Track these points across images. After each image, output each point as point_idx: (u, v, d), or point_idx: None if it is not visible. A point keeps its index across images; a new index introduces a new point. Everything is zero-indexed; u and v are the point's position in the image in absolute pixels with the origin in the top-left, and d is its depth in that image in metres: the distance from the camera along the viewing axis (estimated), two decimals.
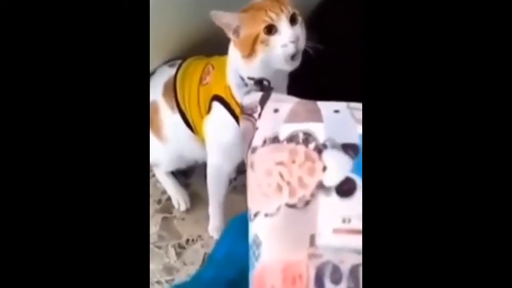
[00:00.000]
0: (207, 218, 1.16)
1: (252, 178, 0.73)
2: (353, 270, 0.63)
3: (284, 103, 0.77)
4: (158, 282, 1.13)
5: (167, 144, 1.09)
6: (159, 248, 1.16)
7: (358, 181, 0.67)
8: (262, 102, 0.78)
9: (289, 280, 0.65)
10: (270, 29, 0.85)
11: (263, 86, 0.87)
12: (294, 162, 0.70)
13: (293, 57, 0.87)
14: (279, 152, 0.71)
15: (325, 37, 0.87)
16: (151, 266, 1.13)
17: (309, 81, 0.96)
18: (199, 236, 1.17)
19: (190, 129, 1.04)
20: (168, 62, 1.10)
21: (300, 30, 0.87)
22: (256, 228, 0.70)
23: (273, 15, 0.85)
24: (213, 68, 0.99)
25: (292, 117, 0.74)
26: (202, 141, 1.03)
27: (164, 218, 1.20)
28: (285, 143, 0.72)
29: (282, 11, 0.85)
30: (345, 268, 0.63)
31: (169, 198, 1.21)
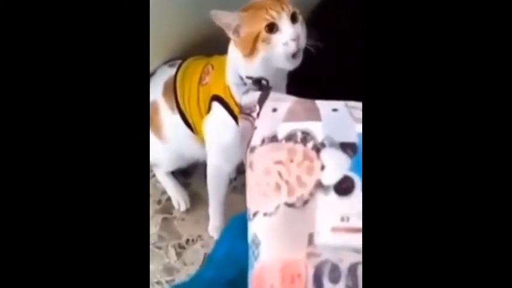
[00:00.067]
0: (207, 218, 1.16)
1: (251, 177, 0.73)
2: (351, 268, 0.63)
3: (282, 102, 0.77)
4: (158, 282, 1.13)
5: (167, 144, 1.09)
6: (159, 248, 1.16)
7: (357, 180, 0.67)
8: (261, 101, 0.78)
9: (288, 279, 0.65)
10: (271, 27, 0.85)
11: (261, 85, 0.87)
12: (292, 161, 0.70)
13: (294, 55, 0.87)
14: (278, 151, 0.71)
15: (324, 37, 0.87)
16: (152, 267, 1.13)
17: (308, 80, 0.96)
18: (199, 236, 1.17)
19: (190, 129, 1.04)
20: (168, 62, 1.10)
21: (300, 28, 0.87)
22: (255, 227, 0.70)
23: (274, 13, 0.85)
24: (212, 68, 0.99)
25: (290, 116, 0.74)
26: (202, 140, 1.03)
27: (164, 219, 1.20)
28: (283, 142, 0.72)
29: (282, 9, 0.85)
30: (344, 267, 0.63)
31: (169, 199, 1.21)
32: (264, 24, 0.85)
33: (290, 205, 0.68)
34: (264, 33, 0.86)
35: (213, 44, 1.02)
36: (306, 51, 0.88)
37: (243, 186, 0.76)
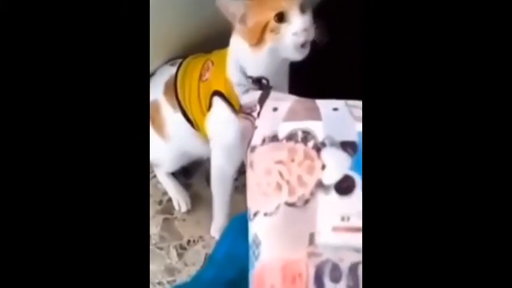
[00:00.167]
0: (208, 218, 1.16)
1: (252, 177, 0.73)
2: (352, 268, 0.63)
3: (283, 101, 0.77)
4: (160, 283, 1.13)
5: (170, 143, 1.09)
6: (161, 249, 1.16)
7: (357, 179, 0.66)
8: (261, 100, 0.78)
9: (288, 279, 0.65)
10: (281, 17, 0.84)
11: (262, 84, 0.87)
12: (293, 160, 0.70)
13: (303, 45, 0.85)
14: (278, 151, 0.71)
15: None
16: (153, 267, 1.13)
17: (309, 79, 0.96)
18: (201, 237, 1.17)
19: (193, 126, 1.04)
20: (169, 61, 1.10)
21: (309, 19, 0.85)
22: (256, 227, 0.70)
23: (283, 2, 0.83)
24: (212, 64, 0.98)
25: (291, 116, 0.74)
26: (204, 137, 1.03)
27: (165, 219, 1.20)
28: (284, 141, 0.71)
29: None
30: (345, 266, 0.63)
31: (170, 199, 1.21)
32: (273, 13, 0.83)
33: (291, 205, 0.68)
34: (272, 23, 0.84)
35: (213, 44, 1.02)
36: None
37: (244, 186, 0.76)
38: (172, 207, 1.20)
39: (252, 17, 0.86)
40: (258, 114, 0.77)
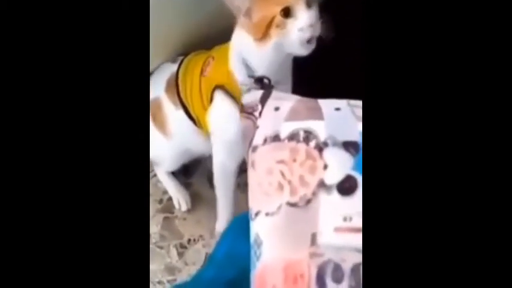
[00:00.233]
0: (209, 218, 1.16)
1: (253, 177, 0.73)
2: (354, 268, 0.63)
3: (285, 101, 0.76)
4: (160, 282, 1.13)
5: (172, 140, 1.08)
6: (161, 248, 1.16)
7: (359, 179, 0.66)
8: (263, 100, 0.77)
9: (290, 279, 0.64)
10: (287, 12, 0.83)
11: (263, 84, 0.87)
12: (295, 160, 0.69)
13: (309, 41, 0.85)
14: (280, 151, 0.71)
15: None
16: (153, 266, 1.13)
17: (311, 78, 0.95)
18: (201, 236, 1.17)
19: (195, 123, 1.03)
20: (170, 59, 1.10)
21: (315, 14, 0.84)
22: (257, 227, 0.70)
23: None
24: (213, 59, 0.98)
25: (293, 115, 0.73)
26: (206, 134, 1.02)
27: (166, 218, 1.20)
28: (286, 141, 0.71)
29: None
30: (347, 267, 0.63)
31: (170, 198, 1.21)
32: (279, 8, 0.82)
33: (292, 205, 0.68)
34: (278, 18, 0.83)
35: (213, 42, 1.02)
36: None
37: (245, 185, 0.76)
38: (173, 206, 1.20)
39: (258, 11, 0.85)
40: (260, 113, 0.76)
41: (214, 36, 1.00)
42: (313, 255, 0.64)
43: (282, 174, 0.69)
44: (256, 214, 0.70)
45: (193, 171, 1.23)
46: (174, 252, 1.16)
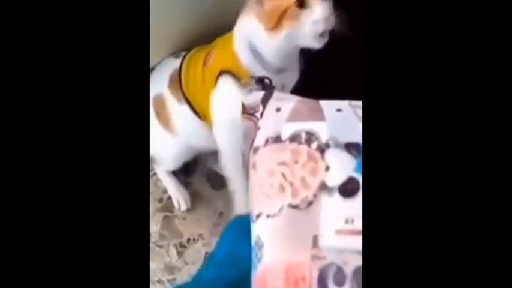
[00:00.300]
0: (209, 217, 1.16)
1: (254, 179, 0.72)
2: (356, 271, 0.62)
3: (286, 102, 0.76)
4: (159, 281, 1.13)
5: (177, 137, 1.07)
6: (161, 247, 1.16)
7: (361, 180, 0.66)
8: (264, 101, 0.77)
9: (291, 282, 0.64)
10: (302, 3, 0.81)
11: (265, 84, 0.86)
12: (296, 162, 0.69)
13: (322, 34, 0.83)
14: (282, 152, 0.70)
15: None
16: (153, 265, 1.13)
17: (311, 80, 0.95)
18: (201, 235, 1.17)
19: (199, 118, 1.01)
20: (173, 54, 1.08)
21: (330, 7, 0.83)
22: (259, 229, 0.69)
23: None
24: (215, 49, 0.96)
25: (294, 116, 0.73)
26: (210, 127, 1.00)
27: (165, 217, 1.19)
28: (287, 142, 0.71)
29: None
30: (349, 270, 0.62)
31: (170, 197, 1.21)
32: None
33: (294, 207, 0.67)
34: (293, 8, 0.81)
35: (214, 39, 1.01)
36: (308, 51, 0.86)
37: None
38: (173, 205, 1.20)
39: (271, 0, 0.83)
40: (261, 114, 0.76)
41: (214, 32, 1.00)
42: (314, 257, 0.64)
43: (284, 175, 0.69)
44: (258, 216, 0.70)
45: (193, 171, 1.23)
46: (173, 251, 1.16)
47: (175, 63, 1.04)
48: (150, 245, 1.15)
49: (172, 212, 1.20)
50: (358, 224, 0.64)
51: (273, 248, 0.67)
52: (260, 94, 0.79)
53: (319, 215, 0.66)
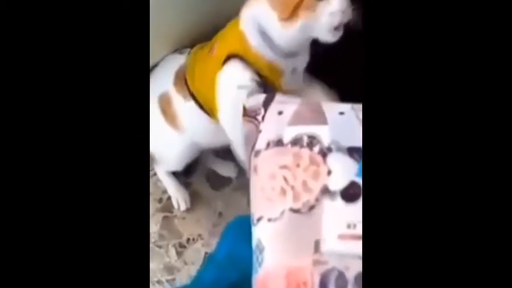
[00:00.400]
0: (208, 217, 1.16)
1: (256, 182, 0.72)
2: (358, 277, 0.62)
3: (288, 105, 0.75)
4: (159, 281, 1.13)
5: (184, 134, 1.05)
6: (160, 247, 1.16)
7: None
8: (266, 104, 0.76)
9: (293, 287, 0.64)
10: None
11: (266, 87, 0.85)
12: (298, 166, 0.69)
13: (336, 27, 0.82)
14: (283, 156, 0.70)
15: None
16: (152, 265, 1.13)
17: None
18: (200, 235, 1.17)
19: (205, 113, 0.99)
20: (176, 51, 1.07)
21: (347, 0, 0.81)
22: (260, 232, 0.69)
23: None
24: (219, 40, 0.95)
25: (296, 120, 0.73)
26: (217, 121, 0.97)
27: (165, 217, 1.19)
28: (289, 146, 0.70)
29: None
30: (350, 275, 0.62)
31: (170, 198, 1.20)
32: None
33: (295, 211, 0.67)
34: None
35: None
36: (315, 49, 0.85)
37: (245, 185, 0.75)
38: (172, 206, 1.20)
39: None
40: (263, 117, 0.75)
41: (213, 31, 0.99)
42: (316, 262, 0.64)
43: (285, 179, 0.69)
44: (259, 219, 0.70)
45: (192, 171, 1.22)
46: (173, 251, 1.15)
47: (180, 59, 1.02)
48: (150, 245, 1.15)
49: (171, 212, 1.19)
50: (361, 229, 0.64)
51: (274, 252, 0.67)
52: (262, 97, 0.78)
53: (321, 220, 0.66)
